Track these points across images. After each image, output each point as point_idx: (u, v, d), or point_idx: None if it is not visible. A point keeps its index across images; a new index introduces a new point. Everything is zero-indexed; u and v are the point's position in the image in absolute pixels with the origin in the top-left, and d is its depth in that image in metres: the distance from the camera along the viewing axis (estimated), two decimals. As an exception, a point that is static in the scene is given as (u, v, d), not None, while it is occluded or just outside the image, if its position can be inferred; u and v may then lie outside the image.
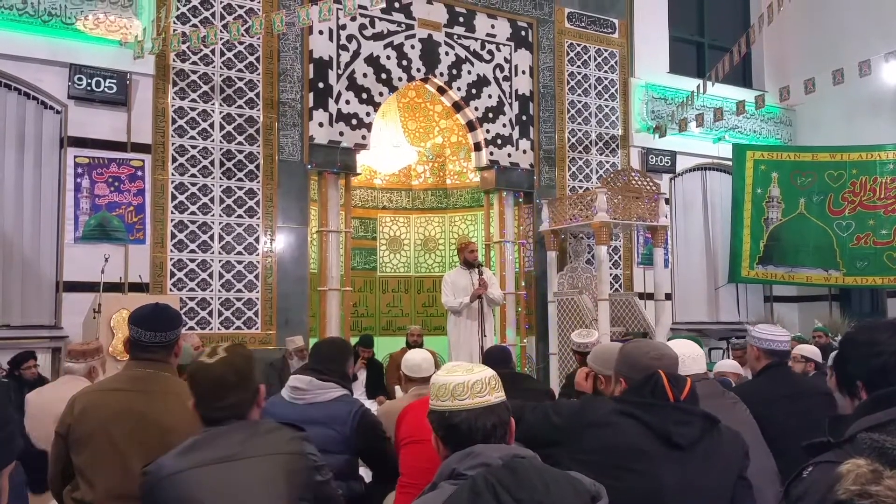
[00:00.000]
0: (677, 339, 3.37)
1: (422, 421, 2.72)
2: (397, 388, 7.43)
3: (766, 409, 3.07)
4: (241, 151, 7.71)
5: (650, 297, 9.23)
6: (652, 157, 10.28)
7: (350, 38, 8.34)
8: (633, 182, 8.69)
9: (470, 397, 1.68)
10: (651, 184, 8.74)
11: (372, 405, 6.99)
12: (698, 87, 9.37)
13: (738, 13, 12.08)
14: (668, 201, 9.88)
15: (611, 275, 9.50)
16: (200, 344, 5.69)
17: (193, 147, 7.50)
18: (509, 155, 9.28)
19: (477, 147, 9.23)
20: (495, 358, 3.97)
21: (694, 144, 10.70)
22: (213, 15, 7.67)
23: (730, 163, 10.50)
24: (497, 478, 1.44)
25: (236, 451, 1.93)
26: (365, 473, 3.37)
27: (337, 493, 2.21)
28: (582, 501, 1.51)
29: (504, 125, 9.23)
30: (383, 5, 7.86)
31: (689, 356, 2.87)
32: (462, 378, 1.71)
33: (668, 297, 9.57)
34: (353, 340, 8.06)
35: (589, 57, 9.89)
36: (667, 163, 10.41)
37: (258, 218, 7.75)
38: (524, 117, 9.36)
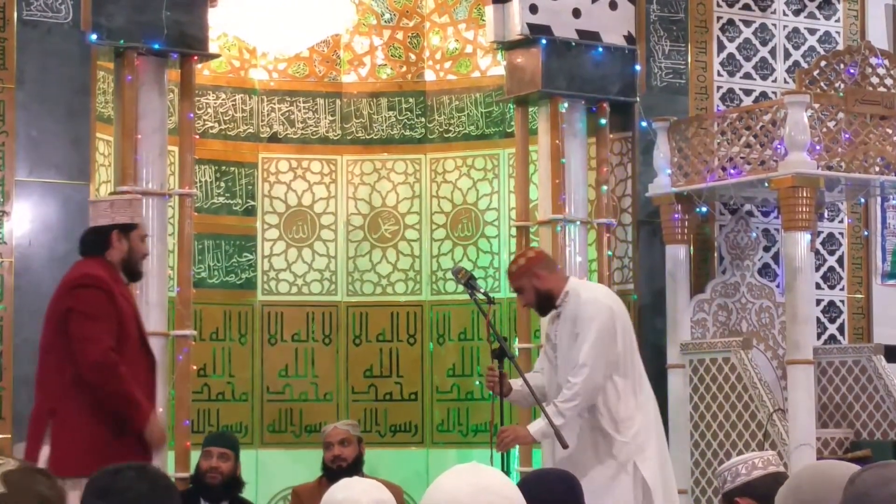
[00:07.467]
0: None
1: None
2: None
3: None
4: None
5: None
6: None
7: None
8: (873, 79, 7.44)
9: None
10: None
11: None
12: None
13: None
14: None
15: (821, 302, 8.18)
16: None
17: None
18: (576, 14, 7.36)
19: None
20: (552, 496, 3.55)
21: None
22: None
23: None
24: None
25: None
26: None
27: None
28: None
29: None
30: None
31: None
32: None
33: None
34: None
35: None
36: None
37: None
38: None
